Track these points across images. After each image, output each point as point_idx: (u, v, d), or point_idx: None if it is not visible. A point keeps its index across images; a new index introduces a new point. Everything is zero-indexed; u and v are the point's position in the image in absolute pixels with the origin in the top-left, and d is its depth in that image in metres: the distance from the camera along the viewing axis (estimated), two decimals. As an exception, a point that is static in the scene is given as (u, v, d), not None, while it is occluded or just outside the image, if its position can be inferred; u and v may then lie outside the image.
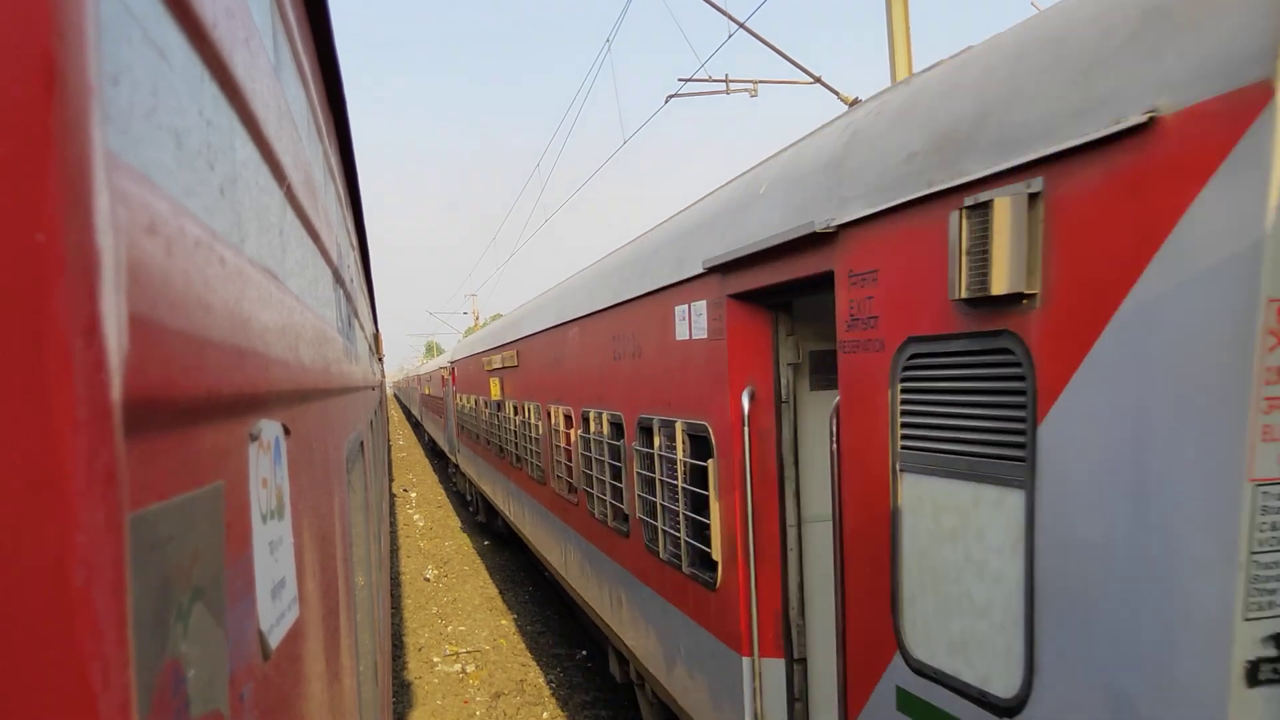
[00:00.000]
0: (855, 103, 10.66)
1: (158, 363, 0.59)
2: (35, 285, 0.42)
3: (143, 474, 0.59)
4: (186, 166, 0.76)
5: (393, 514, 24.02)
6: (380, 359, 10.74)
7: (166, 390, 0.62)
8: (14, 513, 0.42)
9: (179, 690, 0.66)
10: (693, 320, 5.55)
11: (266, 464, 1.06)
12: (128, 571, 0.48)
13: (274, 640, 1.04)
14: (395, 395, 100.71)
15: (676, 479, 6.00)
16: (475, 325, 61.40)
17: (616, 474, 7.68)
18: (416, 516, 25.67)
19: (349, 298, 3.47)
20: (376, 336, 9.91)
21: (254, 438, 0.99)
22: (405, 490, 31.49)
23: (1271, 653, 2.15)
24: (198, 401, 0.72)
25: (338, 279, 2.77)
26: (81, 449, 0.43)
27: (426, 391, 41.30)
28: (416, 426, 63.07)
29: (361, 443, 3.97)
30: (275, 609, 1.07)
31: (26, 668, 0.42)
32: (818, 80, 11.78)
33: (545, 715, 10.60)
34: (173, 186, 0.69)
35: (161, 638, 0.62)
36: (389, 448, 25.39)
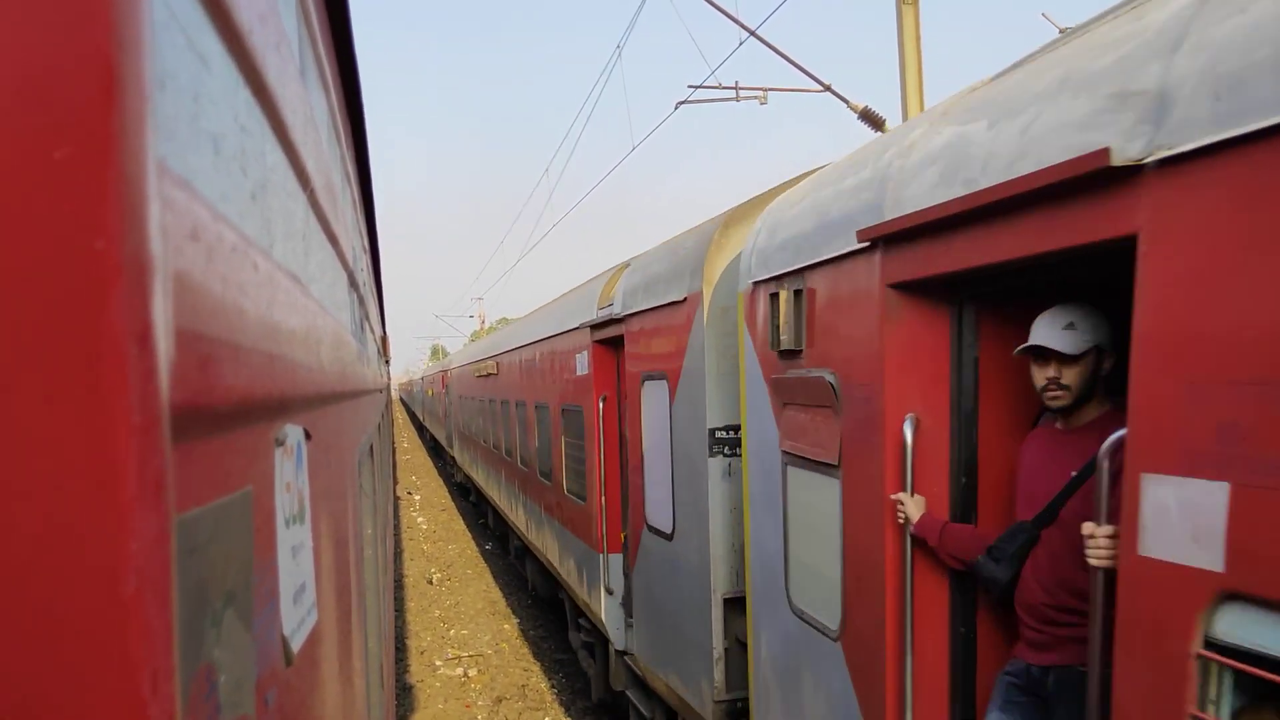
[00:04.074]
0: (865, 111, 10.64)
1: (199, 368, 0.59)
2: (94, 291, 0.42)
3: (184, 480, 0.59)
4: (223, 172, 0.75)
5: (396, 517, 24.00)
6: (387, 361, 10.74)
7: (206, 395, 0.62)
8: (70, 519, 0.41)
9: (212, 695, 0.66)
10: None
11: (290, 468, 1.06)
12: (174, 579, 0.48)
13: (296, 645, 1.03)
14: (401, 399, 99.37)
15: None
16: (481, 329, 60.78)
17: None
18: (420, 519, 25.66)
19: (362, 301, 3.48)
20: (384, 340, 9.90)
21: (280, 442, 0.99)
22: (409, 493, 31.49)
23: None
24: (233, 406, 0.72)
25: (352, 283, 2.77)
26: (135, 455, 0.43)
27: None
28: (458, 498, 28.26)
29: (371, 445, 3.97)
30: (297, 613, 1.07)
31: (78, 674, 0.42)
32: (827, 88, 11.77)
33: (547, 721, 10.57)
34: (211, 192, 0.69)
35: (197, 642, 0.62)
36: (394, 449, 25.34)
